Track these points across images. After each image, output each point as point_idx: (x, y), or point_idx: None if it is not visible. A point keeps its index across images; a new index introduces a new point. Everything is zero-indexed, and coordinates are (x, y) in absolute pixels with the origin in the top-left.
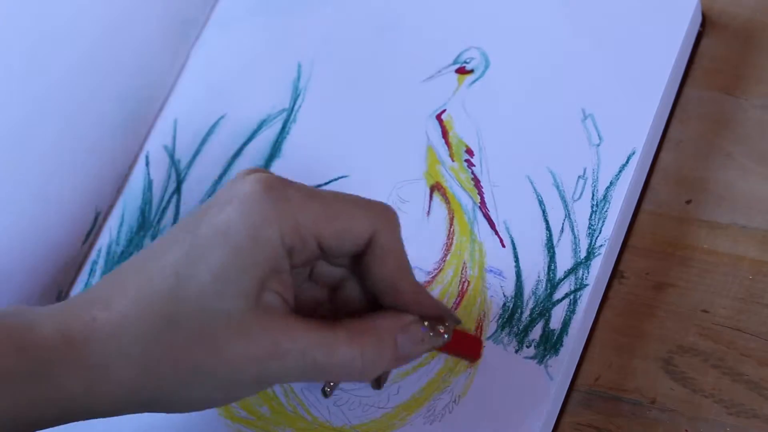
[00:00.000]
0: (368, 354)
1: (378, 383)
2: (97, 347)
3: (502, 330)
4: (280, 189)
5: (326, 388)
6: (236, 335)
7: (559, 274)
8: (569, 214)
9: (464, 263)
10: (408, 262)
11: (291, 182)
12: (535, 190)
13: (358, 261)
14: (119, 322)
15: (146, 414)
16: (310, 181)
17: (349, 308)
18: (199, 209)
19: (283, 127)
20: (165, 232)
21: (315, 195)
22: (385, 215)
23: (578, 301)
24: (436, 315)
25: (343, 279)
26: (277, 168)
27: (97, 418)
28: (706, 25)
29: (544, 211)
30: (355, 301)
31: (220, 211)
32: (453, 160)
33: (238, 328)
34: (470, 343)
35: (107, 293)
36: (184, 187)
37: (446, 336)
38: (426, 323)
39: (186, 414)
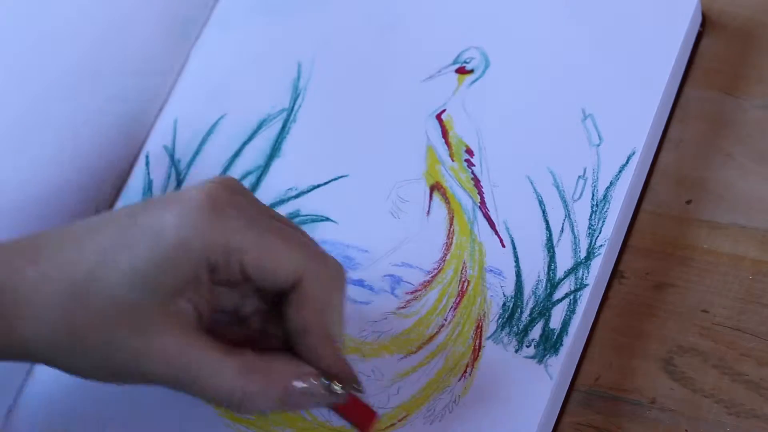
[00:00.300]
0: (250, 391)
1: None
2: (19, 297)
3: (501, 330)
4: (223, 207)
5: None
6: (134, 328)
7: (559, 274)
8: (569, 214)
9: (464, 263)
10: (332, 317)
11: (240, 202)
12: (535, 190)
13: (284, 299)
14: (40, 280)
15: (146, 414)
16: (310, 181)
17: (266, 340)
18: (148, 200)
19: (283, 127)
20: (114, 209)
21: (255, 224)
22: (322, 268)
23: (578, 301)
24: (338, 374)
25: (266, 311)
26: (278, 167)
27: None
28: (706, 25)
29: (544, 211)
30: (273, 335)
31: (161, 210)
32: (453, 160)
33: (138, 321)
34: (363, 413)
35: (41, 248)
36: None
37: (341, 398)
38: (323, 379)
39: (186, 414)
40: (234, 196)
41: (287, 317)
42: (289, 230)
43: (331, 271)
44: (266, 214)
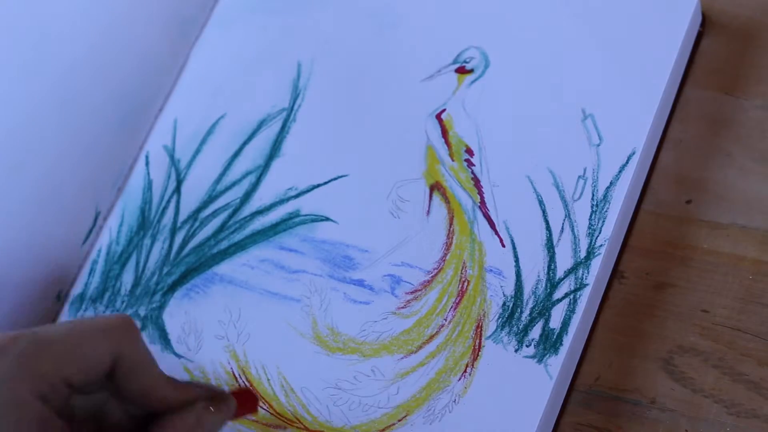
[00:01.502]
0: None
1: None
2: None
3: (501, 329)
4: (11, 347)
5: None
6: None
7: (559, 273)
8: (569, 214)
9: (464, 263)
10: (155, 363)
11: (21, 335)
12: (535, 189)
13: (111, 382)
14: None
15: None
16: (310, 181)
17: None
18: None
19: (283, 127)
20: None
21: (47, 340)
22: (122, 331)
23: (578, 301)
24: (209, 396)
25: (101, 404)
26: (277, 167)
27: None
28: (706, 25)
29: (544, 211)
30: (120, 421)
31: None
32: (453, 160)
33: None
34: (247, 397)
35: None
36: (184, 186)
37: (231, 405)
38: (210, 406)
39: None
40: (10, 337)
41: (129, 392)
42: (72, 324)
43: (128, 328)
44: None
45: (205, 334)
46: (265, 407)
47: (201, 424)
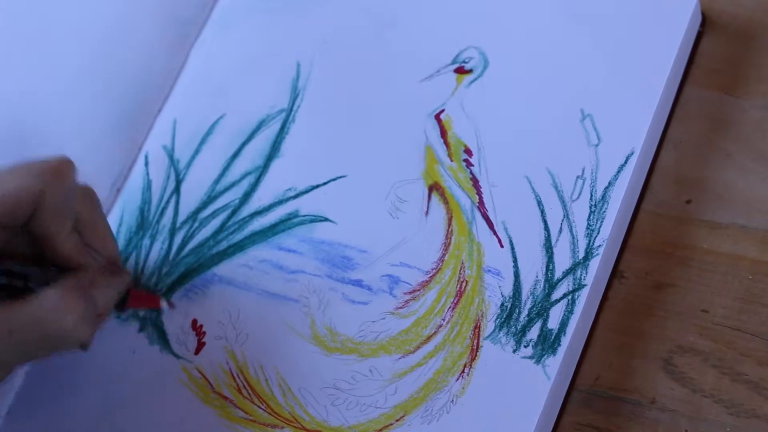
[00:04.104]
0: (77, 315)
1: (85, 345)
2: None
3: (499, 330)
4: None
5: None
6: None
7: (558, 274)
8: (568, 214)
9: (462, 263)
10: (71, 217)
11: None
12: (533, 190)
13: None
14: None
15: (145, 415)
16: (308, 181)
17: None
18: None
19: (282, 127)
20: None
21: None
22: (53, 171)
23: (576, 302)
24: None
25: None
26: (277, 168)
27: None
28: (706, 25)
29: (542, 212)
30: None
31: None
32: (451, 160)
33: None
34: (149, 299)
35: None
36: (183, 187)
37: (126, 278)
38: (107, 271)
39: (183, 414)
40: None
41: (35, 236)
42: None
43: (56, 173)
44: None
45: (205, 335)
46: (263, 407)
47: (95, 284)
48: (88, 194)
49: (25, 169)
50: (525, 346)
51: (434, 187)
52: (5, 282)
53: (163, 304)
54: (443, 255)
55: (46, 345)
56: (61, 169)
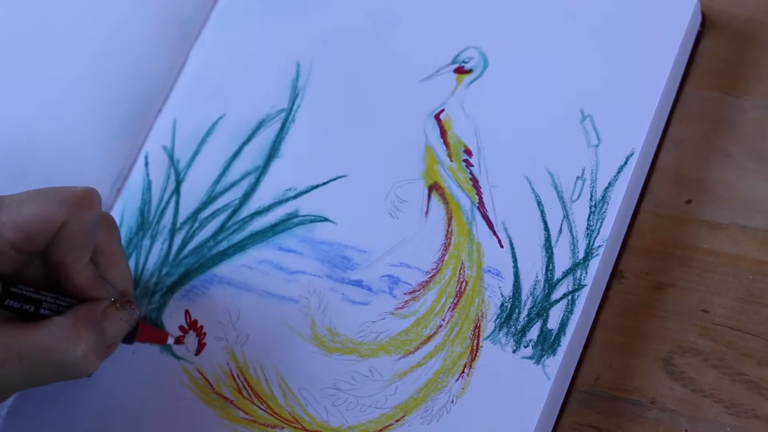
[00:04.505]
0: (87, 345)
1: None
2: None
3: (499, 330)
4: None
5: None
6: None
7: (557, 274)
8: (567, 214)
9: (462, 263)
10: (89, 248)
11: None
12: (533, 190)
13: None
14: None
15: (146, 415)
16: (308, 181)
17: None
18: None
19: (282, 127)
20: None
21: (1, 204)
22: (78, 201)
23: (576, 302)
24: (123, 293)
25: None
26: (277, 168)
27: None
28: (706, 25)
29: (542, 212)
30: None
31: None
32: (451, 160)
33: None
34: (157, 335)
35: None
36: (183, 187)
37: (136, 311)
38: (117, 304)
39: (184, 415)
40: None
41: (50, 263)
42: (28, 192)
43: (79, 201)
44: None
45: (205, 336)
46: (263, 407)
47: (105, 316)
48: (109, 223)
49: (50, 195)
50: (525, 347)
51: (434, 187)
52: (17, 306)
53: (171, 340)
54: (443, 255)
55: (54, 373)
56: (87, 199)
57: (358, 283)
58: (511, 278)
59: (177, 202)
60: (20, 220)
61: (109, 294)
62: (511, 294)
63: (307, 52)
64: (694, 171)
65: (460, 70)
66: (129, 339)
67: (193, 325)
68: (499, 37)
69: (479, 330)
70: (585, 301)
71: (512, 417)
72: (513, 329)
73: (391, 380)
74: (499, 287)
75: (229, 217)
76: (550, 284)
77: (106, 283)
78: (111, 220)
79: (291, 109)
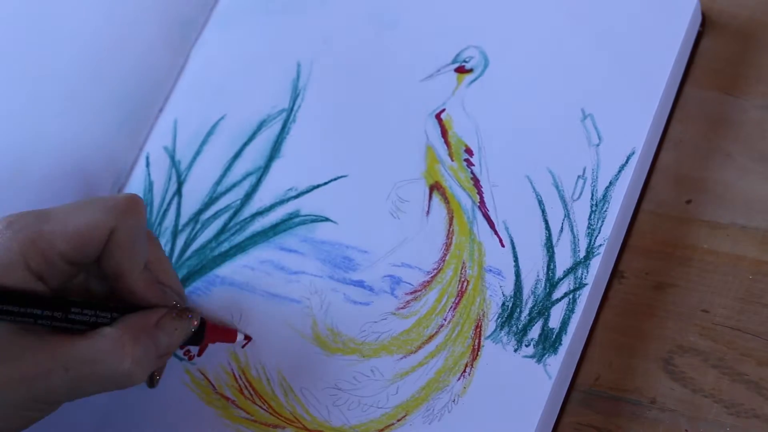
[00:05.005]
0: (134, 358)
1: (151, 382)
2: None
3: (501, 329)
4: (17, 221)
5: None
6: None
7: (558, 273)
8: (568, 213)
9: (463, 263)
10: (142, 254)
11: (30, 212)
12: (534, 189)
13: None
14: None
15: (147, 416)
16: (309, 182)
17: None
18: None
19: (283, 127)
20: None
21: (48, 217)
22: (125, 207)
23: (577, 301)
24: (178, 302)
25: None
26: (278, 168)
27: None
28: (706, 25)
29: (543, 211)
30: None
31: None
32: (452, 160)
33: (1, 351)
34: (226, 333)
35: None
36: (185, 188)
37: (195, 321)
38: (174, 313)
39: (185, 415)
40: (23, 213)
41: (106, 273)
42: (74, 203)
43: (127, 208)
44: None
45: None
46: (264, 407)
47: (160, 326)
48: (150, 234)
49: (95, 204)
50: (526, 346)
51: (435, 187)
52: (70, 317)
53: (240, 337)
54: (444, 255)
55: (100, 384)
56: (133, 205)
57: (359, 284)
58: (513, 277)
59: (179, 204)
60: (69, 230)
61: (170, 299)
62: (512, 293)
63: (308, 52)
64: (694, 171)
65: (460, 70)
66: (197, 341)
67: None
68: (499, 36)
69: (480, 329)
70: (586, 300)
71: (514, 416)
72: (514, 328)
73: (392, 380)
74: (501, 286)
75: (231, 218)
76: (552, 283)
77: (164, 287)
78: (150, 231)
79: (292, 110)
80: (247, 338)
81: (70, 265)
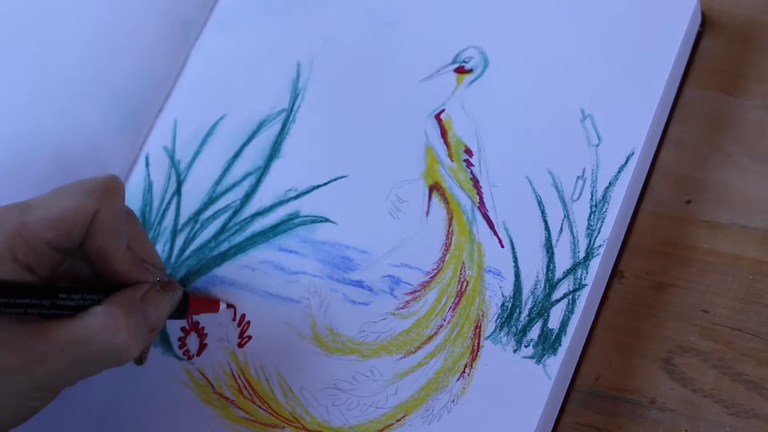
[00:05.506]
0: (128, 331)
1: (140, 359)
2: None
3: (500, 330)
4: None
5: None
6: None
7: (558, 274)
8: (568, 214)
9: (463, 263)
10: (123, 234)
11: (12, 205)
12: (534, 190)
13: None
14: None
15: (147, 415)
16: (309, 182)
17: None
18: None
19: (283, 128)
20: None
21: (29, 207)
22: (104, 189)
23: (577, 301)
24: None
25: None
26: (277, 168)
27: None
28: (706, 25)
29: (543, 212)
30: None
31: None
32: (452, 160)
33: None
34: (209, 304)
35: None
36: (185, 188)
37: (178, 292)
38: (157, 287)
39: (185, 415)
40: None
41: (89, 254)
42: (57, 189)
43: (109, 189)
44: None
45: (206, 337)
46: (264, 407)
47: (146, 299)
48: (129, 211)
49: (76, 188)
50: (526, 346)
51: (435, 188)
52: (58, 303)
53: (223, 306)
54: (444, 255)
55: (97, 362)
56: (112, 186)
57: (359, 284)
58: (512, 278)
59: (178, 203)
60: (53, 216)
61: (152, 275)
62: (511, 294)
63: (307, 52)
64: (694, 171)
65: (460, 70)
66: (181, 314)
67: (194, 326)
68: (499, 36)
69: (480, 330)
70: (586, 301)
71: (513, 417)
72: (514, 329)
73: (392, 380)
74: (500, 287)
75: (230, 218)
76: (551, 284)
77: (146, 265)
78: (129, 208)
79: (291, 110)
80: (230, 306)
81: (57, 251)
